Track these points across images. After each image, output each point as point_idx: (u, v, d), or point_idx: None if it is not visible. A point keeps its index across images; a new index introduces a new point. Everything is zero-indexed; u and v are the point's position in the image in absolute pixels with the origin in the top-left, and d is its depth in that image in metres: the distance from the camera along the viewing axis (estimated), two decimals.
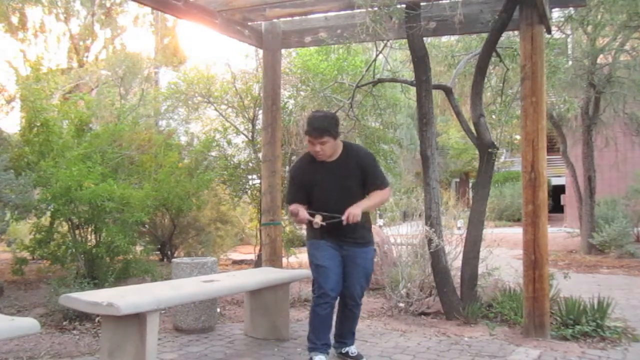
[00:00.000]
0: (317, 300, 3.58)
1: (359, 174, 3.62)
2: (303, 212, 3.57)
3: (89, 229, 5.39)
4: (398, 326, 4.75)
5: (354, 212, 3.45)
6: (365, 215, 3.65)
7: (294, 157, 7.29)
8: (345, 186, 3.60)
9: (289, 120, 7.01)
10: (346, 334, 3.84)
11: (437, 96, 7.60)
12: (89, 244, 5.32)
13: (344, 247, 3.63)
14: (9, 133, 6.30)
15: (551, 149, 12.45)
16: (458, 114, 5.60)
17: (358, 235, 3.63)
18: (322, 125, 3.53)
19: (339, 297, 3.66)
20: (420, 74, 4.98)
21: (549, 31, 4.79)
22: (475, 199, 5.12)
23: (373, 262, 3.79)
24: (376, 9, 4.26)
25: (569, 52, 9.82)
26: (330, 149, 3.57)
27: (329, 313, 3.60)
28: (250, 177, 7.69)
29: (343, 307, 3.78)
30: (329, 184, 3.60)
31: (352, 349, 3.82)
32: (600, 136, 10.78)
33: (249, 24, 5.62)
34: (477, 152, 5.23)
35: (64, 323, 4.50)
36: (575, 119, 10.72)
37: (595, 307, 4.46)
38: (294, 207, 3.63)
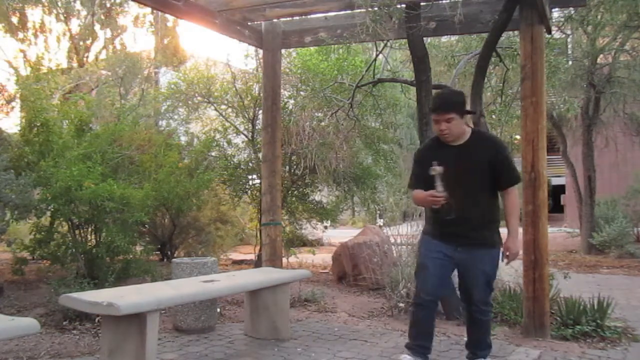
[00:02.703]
0: (414, 300, 3.48)
1: (487, 166, 3.24)
2: (424, 193, 3.25)
3: (89, 229, 5.39)
4: (398, 326, 4.75)
5: (513, 251, 3.21)
6: (492, 213, 3.30)
7: (293, 157, 7.30)
8: (468, 178, 3.25)
9: (289, 120, 7.01)
10: (475, 343, 3.55)
11: None
12: (89, 244, 5.32)
13: (458, 249, 3.31)
14: (9, 133, 6.29)
15: (551, 149, 12.45)
16: None
17: (479, 236, 3.29)
18: (450, 100, 3.26)
19: (464, 302, 3.52)
20: (420, 74, 4.98)
21: (549, 31, 4.79)
22: None
23: (496, 267, 3.37)
24: (376, 9, 4.26)
25: (569, 52, 9.83)
26: (456, 128, 3.22)
27: (425, 316, 3.42)
28: (250, 177, 7.69)
29: (468, 312, 3.52)
30: (451, 172, 3.19)
31: None
32: (600, 136, 10.78)
33: (249, 24, 5.62)
34: None
35: (64, 323, 4.50)
36: (575, 119, 10.73)
37: (595, 307, 4.46)
38: (417, 193, 3.35)
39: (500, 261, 3.34)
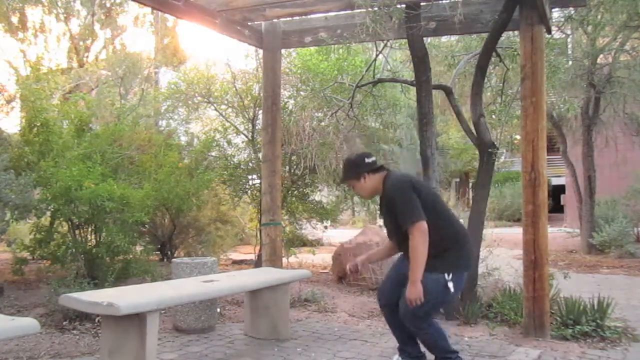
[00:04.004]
0: None
1: (389, 210, 3.33)
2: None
3: (89, 229, 5.39)
4: None
5: (408, 296, 3.14)
6: (433, 241, 3.16)
7: (293, 157, 7.30)
8: (387, 220, 3.44)
9: (289, 120, 7.01)
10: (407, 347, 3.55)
11: (437, 96, 7.60)
12: (89, 244, 5.32)
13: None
14: (9, 133, 6.30)
15: (551, 149, 12.42)
16: (458, 114, 5.60)
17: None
18: (343, 173, 3.57)
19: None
20: (420, 74, 4.98)
21: (549, 31, 4.79)
22: (475, 199, 5.12)
23: (428, 290, 3.15)
24: (376, 9, 4.26)
25: (569, 52, 9.82)
26: (361, 190, 3.49)
27: (390, 325, 3.57)
28: (250, 177, 7.69)
29: None
30: (383, 216, 3.51)
31: None
32: (600, 136, 10.77)
33: (249, 24, 5.62)
34: (477, 152, 5.24)
35: (64, 323, 4.50)
36: (575, 119, 10.72)
37: (595, 307, 4.46)
38: None
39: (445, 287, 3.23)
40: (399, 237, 3.33)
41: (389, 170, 3.47)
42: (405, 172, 3.69)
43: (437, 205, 3.34)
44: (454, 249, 3.30)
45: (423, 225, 3.13)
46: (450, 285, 3.20)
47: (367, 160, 3.45)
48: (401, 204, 3.20)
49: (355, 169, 3.46)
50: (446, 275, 3.21)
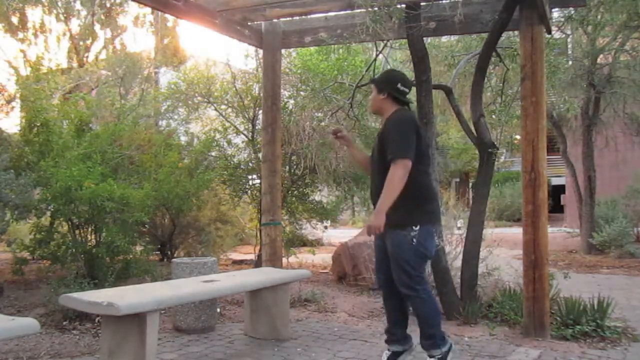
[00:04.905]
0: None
1: (382, 142, 3.30)
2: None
3: (89, 229, 5.39)
4: None
5: (371, 224, 3.13)
6: (403, 192, 3.14)
7: (293, 157, 7.30)
8: (374, 158, 3.41)
9: (289, 120, 7.01)
10: (420, 333, 3.47)
11: (437, 96, 7.60)
12: (89, 244, 5.32)
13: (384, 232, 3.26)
14: (9, 133, 6.29)
15: (551, 149, 12.44)
16: (458, 114, 5.60)
17: (388, 218, 3.18)
18: (374, 77, 3.52)
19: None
20: (420, 74, 4.98)
21: (549, 31, 4.79)
22: (475, 199, 5.12)
23: (406, 249, 3.24)
24: (376, 9, 4.26)
25: (569, 52, 9.83)
26: (372, 100, 3.48)
27: (385, 303, 3.57)
28: (250, 177, 7.69)
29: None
30: (372, 151, 3.49)
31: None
32: (600, 136, 10.77)
33: (249, 24, 5.62)
34: (477, 152, 5.24)
35: (64, 323, 4.50)
36: (575, 119, 10.72)
37: (595, 307, 4.46)
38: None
39: (411, 243, 3.26)
40: (380, 175, 3.28)
41: (404, 107, 3.46)
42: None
43: (424, 159, 3.38)
44: (423, 204, 3.35)
45: (408, 164, 3.16)
46: (414, 236, 3.23)
47: (399, 85, 3.43)
48: (397, 136, 3.21)
49: (385, 82, 3.45)
50: (413, 227, 3.26)
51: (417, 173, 3.24)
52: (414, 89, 5.38)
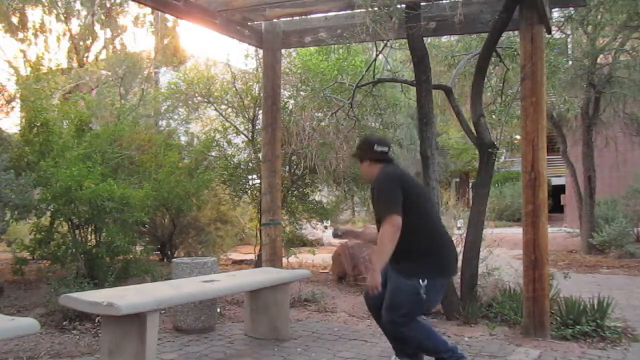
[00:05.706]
0: None
1: (375, 200, 3.42)
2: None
3: (89, 229, 5.39)
4: None
5: (368, 284, 3.18)
6: (404, 244, 3.14)
7: (294, 157, 7.30)
8: (374, 211, 3.50)
9: (289, 120, 7.00)
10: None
11: (437, 96, 7.59)
12: (89, 244, 5.32)
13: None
14: (9, 133, 6.29)
15: (551, 149, 12.44)
16: (458, 114, 5.60)
17: (394, 263, 3.24)
18: (354, 151, 3.69)
19: None
20: (420, 74, 4.98)
21: (549, 31, 4.79)
22: (475, 199, 5.12)
23: (405, 297, 3.19)
24: (376, 9, 4.26)
25: (569, 52, 9.82)
26: (361, 171, 3.64)
27: (377, 322, 3.53)
28: (250, 177, 7.69)
29: None
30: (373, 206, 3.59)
31: None
32: (600, 136, 10.77)
33: (249, 24, 5.62)
34: (477, 152, 5.24)
35: (64, 323, 4.50)
36: (575, 119, 10.72)
37: (595, 307, 4.46)
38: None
39: (414, 294, 3.17)
40: (379, 227, 3.33)
41: (388, 164, 3.48)
42: (404, 169, 3.67)
43: (421, 206, 3.32)
44: (433, 254, 3.27)
45: (396, 219, 3.13)
46: (422, 292, 3.15)
47: (376, 147, 3.48)
48: (382, 195, 3.27)
49: (363, 150, 3.56)
50: (420, 281, 3.16)
51: (415, 219, 3.21)
52: (413, 89, 5.39)
